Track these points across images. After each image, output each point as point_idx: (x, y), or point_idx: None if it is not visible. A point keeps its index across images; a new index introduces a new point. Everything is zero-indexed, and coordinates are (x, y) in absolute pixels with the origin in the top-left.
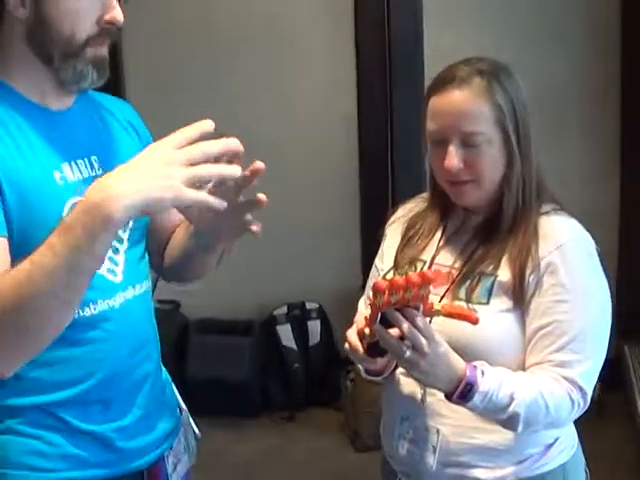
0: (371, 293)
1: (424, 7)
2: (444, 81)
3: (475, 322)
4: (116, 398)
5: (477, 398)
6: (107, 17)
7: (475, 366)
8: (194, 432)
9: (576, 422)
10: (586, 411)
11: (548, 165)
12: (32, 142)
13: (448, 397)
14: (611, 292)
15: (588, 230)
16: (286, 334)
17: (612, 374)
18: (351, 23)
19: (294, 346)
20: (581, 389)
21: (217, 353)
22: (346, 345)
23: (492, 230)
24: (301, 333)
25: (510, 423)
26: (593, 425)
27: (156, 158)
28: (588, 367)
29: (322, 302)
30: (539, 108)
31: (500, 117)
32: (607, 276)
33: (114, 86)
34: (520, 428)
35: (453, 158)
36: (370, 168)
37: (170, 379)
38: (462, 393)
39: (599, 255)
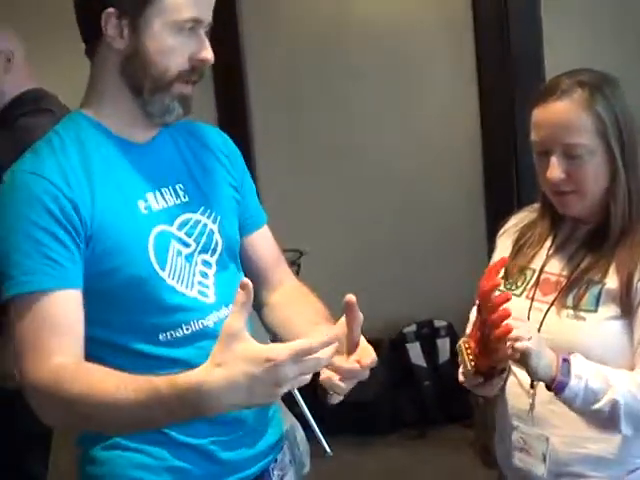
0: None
1: (546, 22)
2: (547, 93)
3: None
4: (219, 414)
5: (573, 382)
6: (200, 56)
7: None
8: (300, 446)
9: None
10: None
11: None
12: (116, 175)
13: (550, 385)
14: None
15: None
16: (416, 352)
17: None
18: (472, 42)
19: (424, 364)
20: None
21: None
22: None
23: (600, 239)
24: (431, 351)
25: (612, 417)
26: None
27: (270, 379)
28: None
29: (451, 320)
30: None
31: (602, 128)
32: None
33: (239, 104)
34: (623, 424)
35: (555, 169)
36: (495, 185)
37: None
38: (561, 373)
39: None
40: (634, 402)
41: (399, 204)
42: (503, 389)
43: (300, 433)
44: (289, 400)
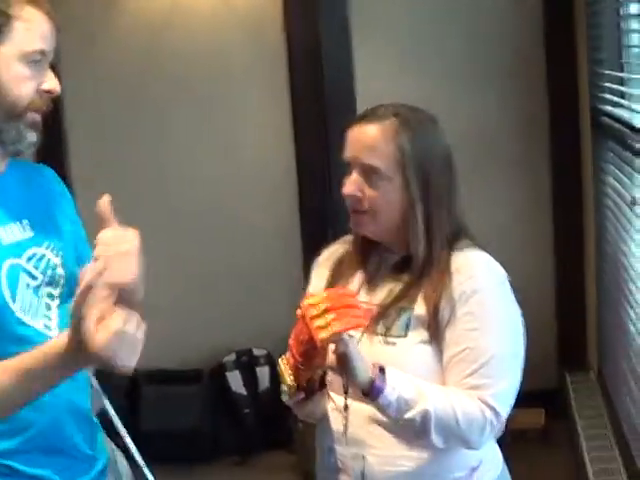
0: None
1: (357, 54)
2: (363, 115)
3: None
4: (58, 444)
5: (388, 390)
6: (46, 86)
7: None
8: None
9: (502, 445)
10: (532, 439)
11: (481, 201)
12: None
13: (367, 391)
14: (550, 322)
15: (524, 262)
16: (235, 381)
17: (555, 403)
18: (286, 73)
19: (244, 392)
20: (494, 409)
21: (168, 402)
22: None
23: (407, 268)
24: (250, 379)
25: (423, 428)
26: (539, 453)
27: None
28: (500, 389)
29: (270, 348)
30: (471, 147)
31: (401, 160)
32: (544, 307)
33: (56, 136)
34: (433, 434)
35: (350, 185)
36: (311, 217)
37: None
38: (377, 378)
39: (512, 285)
40: (444, 414)
41: (214, 236)
42: (322, 415)
43: (122, 462)
44: (110, 430)
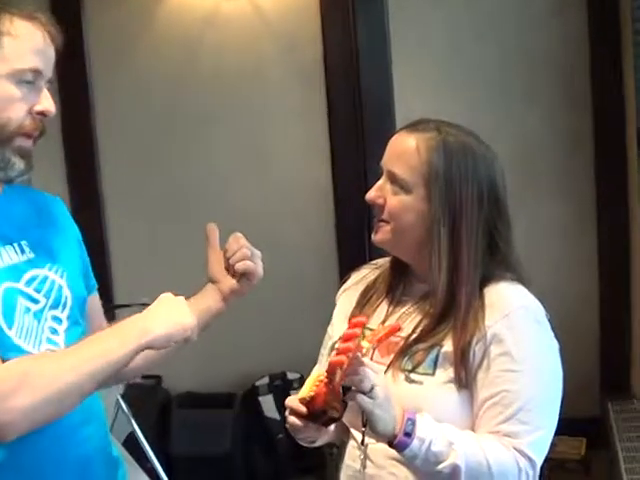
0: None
1: (396, 72)
2: (408, 124)
3: (398, 328)
4: (63, 474)
5: (415, 444)
6: (39, 107)
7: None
8: None
9: (540, 475)
10: (572, 469)
11: (524, 221)
12: None
13: (391, 441)
14: (593, 348)
15: (567, 282)
16: (268, 405)
17: (597, 432)
18: (323, 91)
19: (277, 416)
20: (530, 459)
21: (200, 427)
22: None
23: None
24: (284, 403)
25: (452, 479)
26: None
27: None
28: (537, 437)
29: (303, 372)
30: (513, 165)
31: (428, 175)
32: (587, 332)
33: (89, 157)
34: None
35: (373, 190)
36: (346, 234)
37: (122, 458)
38: (404, 432)
39: (550, 322)
40: (476, 466)
41: None
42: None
43: None
44: (139, 454)
